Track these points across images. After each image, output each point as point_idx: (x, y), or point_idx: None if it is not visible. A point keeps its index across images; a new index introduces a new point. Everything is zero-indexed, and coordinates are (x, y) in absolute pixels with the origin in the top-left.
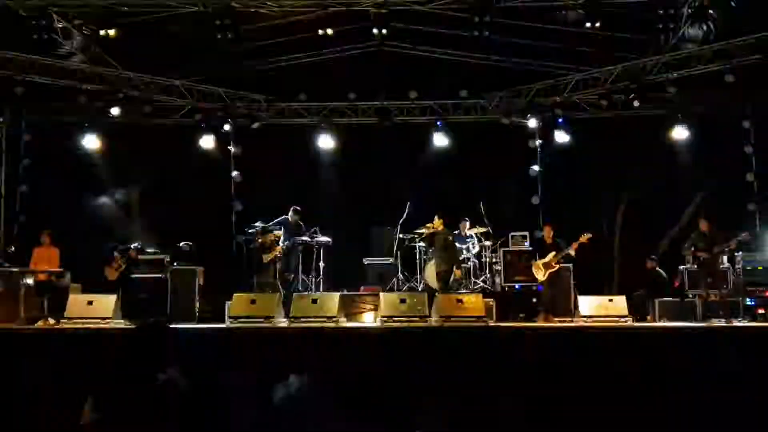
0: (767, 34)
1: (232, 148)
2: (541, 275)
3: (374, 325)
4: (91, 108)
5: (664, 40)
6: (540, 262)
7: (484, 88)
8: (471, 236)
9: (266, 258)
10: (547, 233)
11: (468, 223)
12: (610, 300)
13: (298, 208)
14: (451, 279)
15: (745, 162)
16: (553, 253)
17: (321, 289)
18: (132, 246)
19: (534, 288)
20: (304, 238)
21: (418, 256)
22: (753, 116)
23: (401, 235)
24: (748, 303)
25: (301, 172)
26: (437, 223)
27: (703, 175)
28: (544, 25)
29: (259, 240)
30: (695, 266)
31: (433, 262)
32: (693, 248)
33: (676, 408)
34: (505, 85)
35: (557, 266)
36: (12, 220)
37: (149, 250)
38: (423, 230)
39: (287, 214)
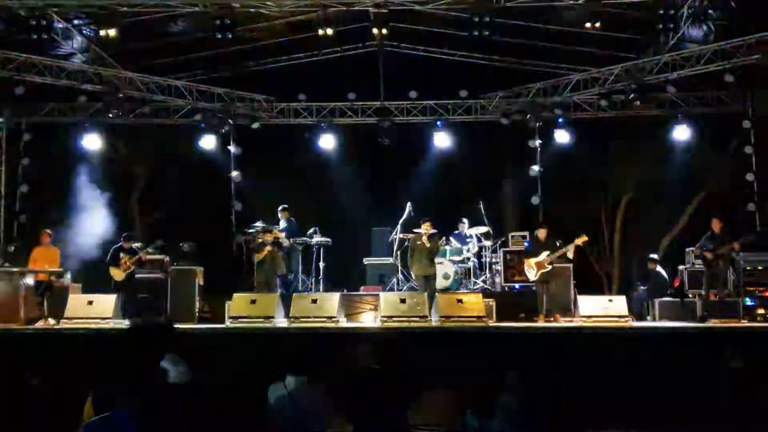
0: (767, 34)
1: (232, 148)
2: (532, 274)
3: (374, 325)
4: (91, 108)
5: (664, 40)
6: (532, 261)
7: (484, 88)
8: (470, 236)
9: (257, 257)
10: (543, 234)
11: (467, 224)
12: (610, 300)
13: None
14: (440, 281)
15: (745, 162)
16: (547, 252)
17: (321, 289)
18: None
19: (534, 289)
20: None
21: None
22: (753, 116)
23: (401, 236)
24: (748, 303)
25: (301, 172)
26: (429, 228)
27: (703, 175)
28: (544, 26)
29: (256, 239)
30: (703, 267)
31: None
32: (701, 248)
33: (676, 407)
34: (505, 85)
35: (550, 266)
36: (12, 220)
37: (150, 250)
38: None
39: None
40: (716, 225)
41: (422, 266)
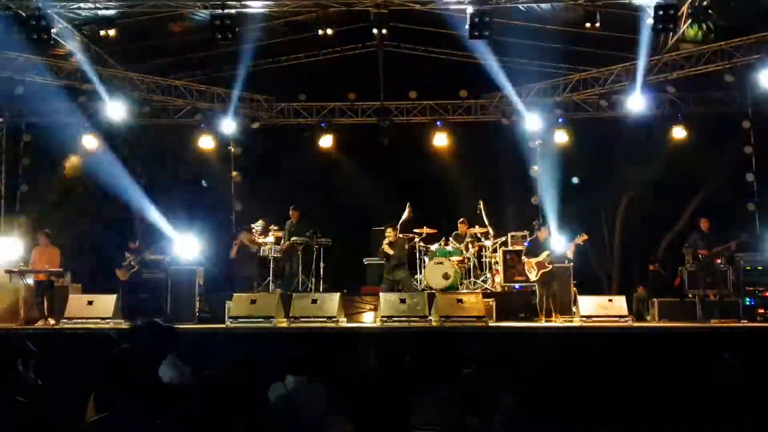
0: (767, 34)
1: (232, 148)
2: (533, 275)
3: (374, 325)
4: (91, 108)
5: (663, 40)
6: (533, 261)
7: (484, 88)
8: (470, 236)
9: (231, 256)
10: (543, 234)
11: (467, 224)
12: (610, 300)
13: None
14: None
15: (745, 162)
16: (547, 252)
17: (321, 290)
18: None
19: (533, 289)
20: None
21: (418, 256)
22: (753, 116)
23: (401, 236)
24: (748, 303)
25: (301, 172)
26: (391, 235)
27: (703, 175)
28: (545, 26)
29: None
30: (694, 266)
31: (433, 262)
32: (693, 247)
33: (675, 408)
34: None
35: (550, 266)
36: (12, 220)
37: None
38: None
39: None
40: (704, 224)
41: (389, 272)
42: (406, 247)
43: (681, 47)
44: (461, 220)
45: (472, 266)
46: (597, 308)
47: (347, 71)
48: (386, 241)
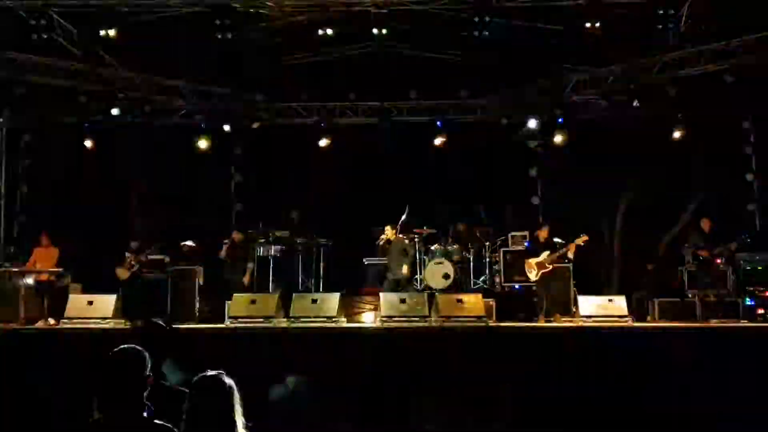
0: (767, 34)
1: (232, 149)
2: (533, 275)
3: (374, 325)
4: (91, 108)
5: (663, 41)
6: (533, 262)
7: (484, 88)
8: (470, 236)
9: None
10: (543, 234)
11: (467, 224)
12: (610, 300)
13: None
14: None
15: (745, 162)
16: (547, 252)
17: (321, 290)
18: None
19: (534, 289)
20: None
21: (418, 257)
22: (753, 116)
23: (400, 236)
24: (748, 303)
25: (301, 172)
26: (390, 234)
27: (703, 175)
28: (544, 25)
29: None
30: (695, 266)
31: (433, 262)
32: (694, 247)
33: (676, 408)
34: (505, 85)
35: (550, 266)
36: (12, 220)
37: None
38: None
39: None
40: (706, 224)
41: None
42: (406, 242)
43: (681, 47)
44: (461, 220)
45: (472, 266)
46: (597, 308)
47: (347, 71)
48: (384, 237)
